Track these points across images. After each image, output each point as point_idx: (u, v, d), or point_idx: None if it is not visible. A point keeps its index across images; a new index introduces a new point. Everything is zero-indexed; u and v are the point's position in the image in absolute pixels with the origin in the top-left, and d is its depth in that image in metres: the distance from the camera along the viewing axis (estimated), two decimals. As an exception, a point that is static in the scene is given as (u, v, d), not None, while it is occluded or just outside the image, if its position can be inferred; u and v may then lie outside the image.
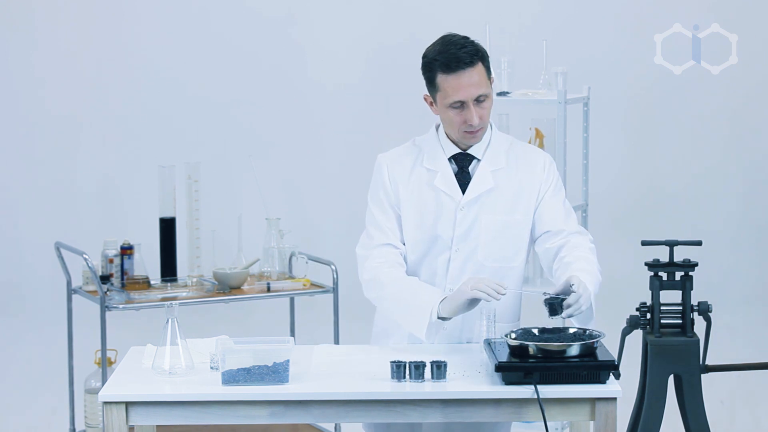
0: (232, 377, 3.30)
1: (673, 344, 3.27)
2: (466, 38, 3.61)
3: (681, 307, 3.29)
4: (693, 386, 3.27)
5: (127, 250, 5.06)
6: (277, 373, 3.31)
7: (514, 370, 3.27)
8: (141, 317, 5.46)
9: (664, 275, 3.31)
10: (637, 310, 3.31)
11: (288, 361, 3.31)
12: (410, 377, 3.33)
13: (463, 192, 3.67)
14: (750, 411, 5.97)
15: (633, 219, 8.26)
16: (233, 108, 8.31)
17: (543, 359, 3.29)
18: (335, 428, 5.36)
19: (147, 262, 5.11)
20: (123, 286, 4.99)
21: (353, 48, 8.31)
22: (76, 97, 8.27)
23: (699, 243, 3.38)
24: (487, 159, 3.68)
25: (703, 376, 3.28)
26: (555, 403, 3.27)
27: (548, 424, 3.22)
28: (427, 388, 3.30)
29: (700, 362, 3.27)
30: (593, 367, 3.27)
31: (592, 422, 3.32)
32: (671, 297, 3.33)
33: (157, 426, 3.49)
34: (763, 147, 8.32)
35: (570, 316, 3.44)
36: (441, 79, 3.58)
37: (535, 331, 3.44)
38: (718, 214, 8.30)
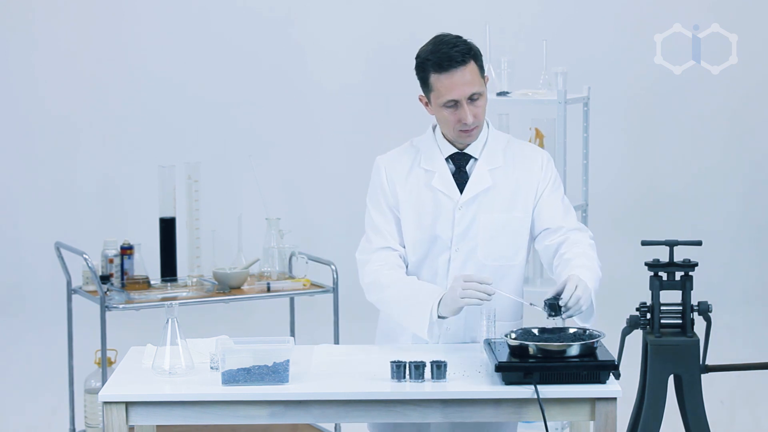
0: (232, 377, 3.30)
1: (673, 344, 3.27)
2: (458, 37, 3.61)
3: (681, 307, 3.29)
4: (693, 386, 3.27)
5: (127, 250, 5.06)
6: (277, 373, 3.31)
7: (514, 370, 3.27)
8: (141, 317, 5.45)
9: (664, 275, 3.31)
10: (637, 310, 3.31)
11: (288, 361, 3.31)
12: (410, 377, 3.33)
13: (461, 191, 3.67)
14: (750, 411, 5.97)
15: (633, 219, 8.26)
16: (233, 108, 8.30)
17: (543, 359, 3.29)
18: (335, 428, 5.36)
19: (147, 262, 5.11)
20: (123, 286, 4.99)
21: (353, 48, 8.31)
22: (76, 97, 8.27)
23: (699, 243, 3.38)
24: (484, 158, 3.69)
25: (703, 376, 3.28)
26: (555, 403, 3.27)
27: (548, 424, 3.22)
28: (427, 388, 3.30)
29: (700, 362, 3.27)
30: (593, 367, 3.27)
31: (592, 422, 3.32)
32: (671, 297, 3.33)
33: (157, 426, 3.49)
34: (763, 147, 8.32)
35: (570, 316, 3.44)
36: (434, 78, 3.59)
37: (535, 331, 3.45)
38: (718, 214, 8.30)
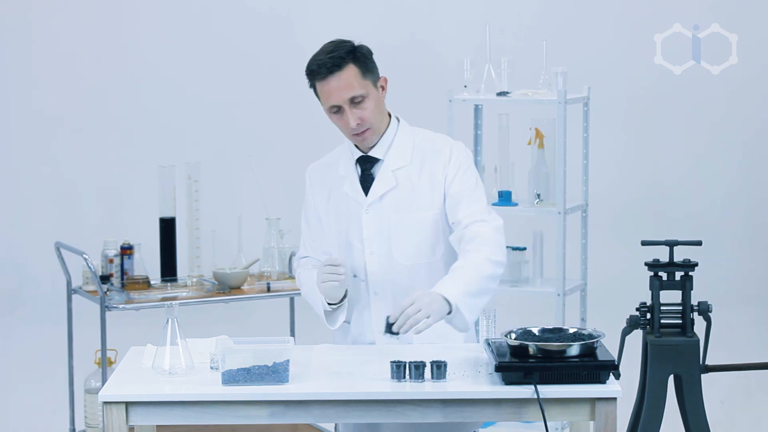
0: (232, 377, 3.30)
1: (673, 344, 3.27)
2: (341, 42, 3.61)
3: (681, 307, 3.30)
4: (693, 386, 3.27)
5: (127, 250, 5.06)
6: (277, 373, 3.31)
7: (514, 370, 3.27)
8: (141, 317, 5.45)
9: (664, 275, 3.31)
10: (637, 310, 3.31)
11: (288, 361, 3.31)
12: (410, 377, 3.33)
13: (367, 194, 3.69)
14: (750, 411, 5.97)
15: (633, 219, 8.26)
16: (233, 108, 8.31)
17: (543, 359, 3.29)
18: (335, 428, 5.36)
19: (147, 262, 5.11)
20: (123, 286, 4.99)
21: (353, 48, 8.30)
22: (76, 97, 8.27)
23: (699, 243, 3.38)
24: (389, 158, 3.69)
25: (703, 376, 3.28)
26: (555, 403, 3.27)
27: (548, 424, 3.22)
28: (427, 388, 3.30)
29: (700, 362, 3.28)
30: (593, 367, 3.27)
31: (592, 422, 3.32)
32: (671, 297, 3.33)
33: (157, 426, 3.49)
34: (763, 147, 8.32)
35: (419, 332, 3.39)
36: (317, 86, 3.62)
37: (535, 331, 3.45)
38: (718, 215, 8.30)
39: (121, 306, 4.82)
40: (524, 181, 5.58)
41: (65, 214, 8.22)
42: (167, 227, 5.15)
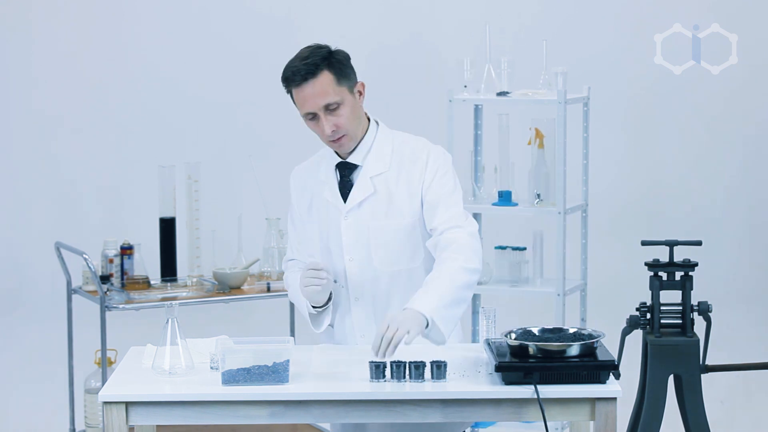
0: (232, 377, 3.30)
1: (673, 344, 3.27)
2: (317, 48, 3.62)
3: (681, 307, 3.30)
4: (693, 386, 3.27)
5: (127, 250, 5.06)
6: (277, 373, 3.31)
7: (514, 370, 3.27)
8: (141, 317, 5.45)
9: (664, 275, 3.31)
10: (637, 310, 3.31)
11: (288, 361, 3.31)
12: (410, 377, 3.33)
13: (345, 201, 3.68)
14: (750, 411, 5.97)
15: (633, 219, 8.26)
16: (233, 108, 8.31)
17: (543, 359, 3.29)
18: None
19: (147, 262, 5.11)
20: (123, 286, 4.99)
21: (353, 48, 8.28)
22: (76, 97, 8.27)
23: (699, 243, 3.38)
24: (367, 165, 3.68)
25: (703, 376, 3.28)
26: (555, 403, 3.27)
27: (548, 424, 3.22)
28: (427, 388, 3.30)
29: (700, 362, 3.28)
30: (593, 367, 3.27)
31: (592, 422, 3.32)
32: (671, 297, 3.33)
33: (157, 426, 3.49)
34: (763, 147, 8.32)
35: (392, 354, 3.36)
36: (293, 92, 3.65)
37: (535, 331, 3.45)
38: (718, 214, 8.30)
39: (121, 306, 4.82)
40: (524, 181, 5.58)
41: (65, 214, 8.22)
42: (167, 227, 5.15)
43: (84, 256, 4.88)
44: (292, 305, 5.49)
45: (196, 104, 8.27)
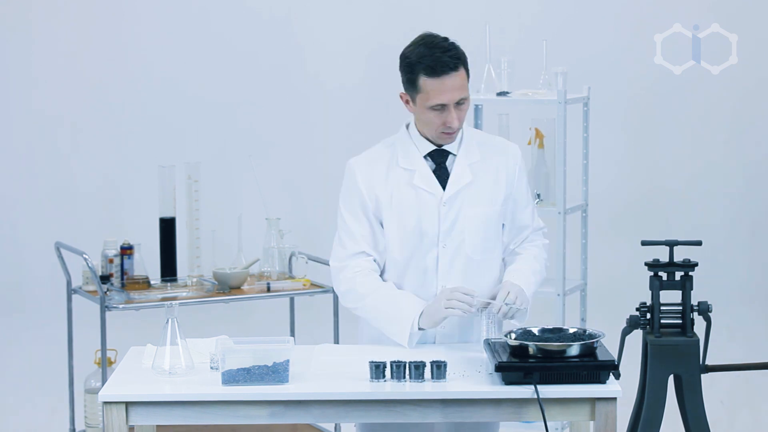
0: (232, 377, 3.30)
1: (673, 344, 3.27)
2: (446, 39, 3.62)
3: (681, 307, 3.30)
4: (693, 386, 3.27)
5: (127, 250, 5.06)
6: (277, 373, 3.31)
7: (514, 370, 3.27)
8: (141, 317, 5.46)
9: (664, 275, 3.31)
10: (637, 310, 3.31)
11: (288, 361, 3.31)
12: (410, 377, 3.33)
13: (444, 188, 3.68)
14: (750, 411, 5.97)
15: (633, 219, 8.26)
16: (233, 108, 8.31)
17: (543, 359, 3.29)
18: (335, 428, 5.36)
19: (147, 262, 5.11)
20: (123, 286, 4.99)
21: (353, 48, 8.31)
22: (76, 97, 8.27)
23: (699, 243, 3.38)
24: (462, 153, 3.71)
25: (703, 376, 3.28)
26: (555, 403, 3.27)
27: (548, 424, 3.22)
28: (427, 388, 3.30)
29: (700, 362, 3.28)
30: (593, 367, 3.27)
31: (592, 422, 3.32)
32: (671, 297, 3.33)
33: (157, 426, 3.49)
34: (763, 147, 8.32)
35: (511, 317, 3.60)
36: (424, 81, 3.60)
37: (535, 331, 3.45)
38: (718, 214, 8.30)
39: (121, 306, 4.82)
40: (524, 181, 5.58)
41: (65, 214, 8.21)
42: (167, 227, 5.15)
43: (84, 256, 4.88)
44: (292, 305, 5.49)
45: (196, 104, 8.27)
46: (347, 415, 3.30)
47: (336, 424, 5.33)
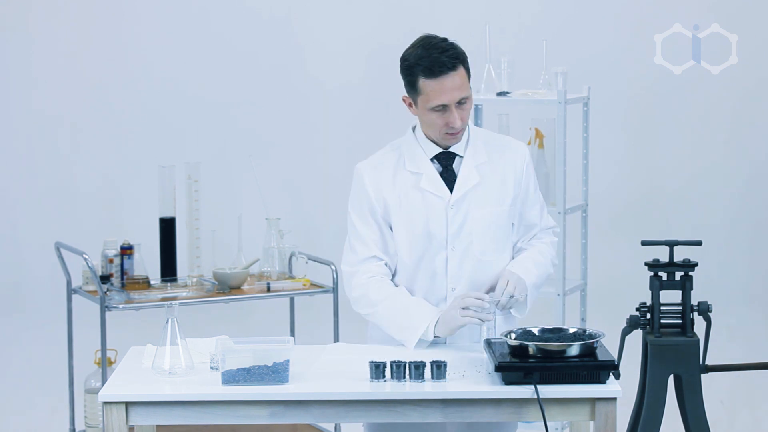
0: (232, 377, 3.30)
1: (673, 344, 3.27)
2: (445, 40, 3.62)
3: (681, 307, 3.29)
4: (693, 386, 3.27)
5: (127, 250, 5.06)
6: (277, 373, 3.31)
7: (514, 370, 3.27)
8: (141, 317, 5.46)
9: (664, 275, 3.31)
10: (637, 310, 3.31)
11: (288, 361, 3.31)
12: (410, 377, 3.33)
13: (451, 190, 3.68)
14: (750, 411, 5.97)
15: (633, 219, 8.26)
16: (233, 108, 8.31)
17: (543, 359, 3.29)
18: (335, 428, 5.36)
19: (147, 262, 5.11)
20: (123, 286, 4.99)
21: (353, 48, 8.31)
22: (76, 97, 8.27)
23: (699, 243, 3.38)
24: (469, 155, 3.71)
25: (703, 376, 3.28)
26: (555, 403, 3.27)
27: (548, 424, 3.22)
28: (427, 388, 3.30)
29: (700, 362, 3.27)
30: (593, 367, 3.27)
31: (592, 422, 3.32)
32: (671, 297, 3.33)
33: (157, 426, 3.49)
34: (763, 147, 8.32)
35: (510, 308, 3.64)
36: (423, 82, 3.60)
37: (535, 331, 3.45)
38: (717, 214, 8.30)
39: (121, 306, 4.82)
40: (524, 181, 5.58)
41: (65, 214, 8.22)
42: (167, 227, 5.15)
43: (84, 256, 4.88)
44: (292, 305, 5.49)
45: (196, 104, 8.27)
46: (347, 415, 3.30)
47: (336, 424, 5.33)
